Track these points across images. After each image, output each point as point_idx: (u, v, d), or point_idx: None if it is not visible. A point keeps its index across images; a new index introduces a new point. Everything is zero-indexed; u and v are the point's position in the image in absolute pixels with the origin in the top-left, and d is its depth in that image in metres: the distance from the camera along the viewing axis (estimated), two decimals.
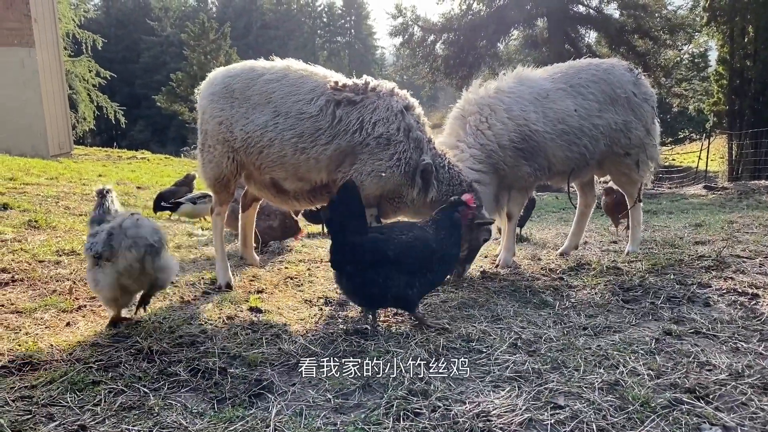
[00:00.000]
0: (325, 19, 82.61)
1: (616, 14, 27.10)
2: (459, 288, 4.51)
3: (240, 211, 5.39)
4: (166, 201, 8.94)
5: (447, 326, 3.52)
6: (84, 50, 31.84)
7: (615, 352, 3.05)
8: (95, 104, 33.18)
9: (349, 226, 3.37)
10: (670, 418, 2.38)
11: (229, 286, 4.51)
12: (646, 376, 2.77)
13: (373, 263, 3.36)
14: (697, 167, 26.96)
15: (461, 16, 26.79)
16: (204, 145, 4.60)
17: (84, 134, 36.12)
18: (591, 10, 26.89)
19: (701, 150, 27.26)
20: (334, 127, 4.21)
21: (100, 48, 32.46)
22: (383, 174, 4.21)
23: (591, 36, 29.09)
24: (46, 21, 21.42)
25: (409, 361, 2.95)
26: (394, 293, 3.37)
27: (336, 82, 4.31)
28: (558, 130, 5.02)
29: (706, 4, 26.71)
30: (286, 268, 5.31)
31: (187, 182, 9.73)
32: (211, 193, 4.84)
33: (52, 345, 3.16)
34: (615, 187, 6.18)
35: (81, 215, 8.40)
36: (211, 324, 3.60)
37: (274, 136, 4.28)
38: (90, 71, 32.34)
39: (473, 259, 4.77)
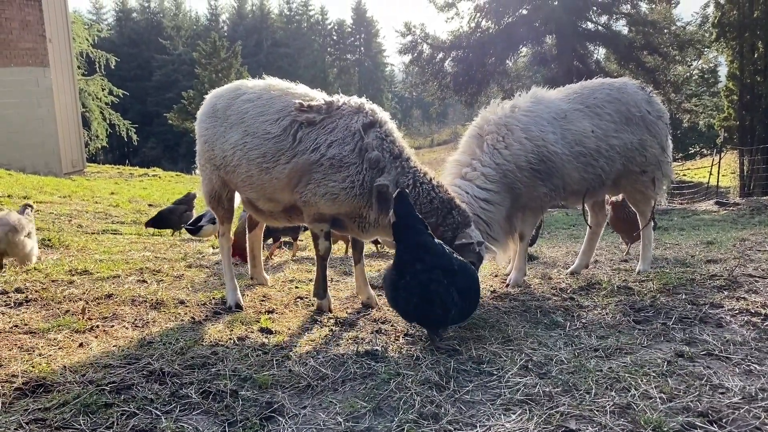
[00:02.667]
0: (335, 37, 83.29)
1: (625, 31, 27.20)
2: None
3: (246, 231, 5.43)
4: (166, 219, 9.04)
5: (457, 348, 3.52)
6: (97, 69, 32.30)
7: (626, 375, 3.03)
8: (108, 122, 33.56)
9: (418, 227, 3.48)
10: None
11: (238, 307, 4.54)
12: (658, 400, 2.75)
13: (440, 268, 3.42)
14: (708, 183, 26.85)
15: (470, 34, 26.97)
16: (198, 163, 4.79)
17: (96, 152, 36.49)
18: (599, 27, 26.99)
19: (712, 165, 27.14)
20: (294, 148, 4.19)
21: (113, 67, 32.91)
22: (337, 196, 4.15)
23: (600, 52, 29.21)
24: (61, 41, 21.78)
25: (420, 384, 2.95)
26: (447, 305, 3.42)
27: (301, 103, 4.26)
28: (575, 151, 5.01)
29: (715, 20, 26.80)
30: (297, 287, 5.33)
31: (186, 201, 9.86)
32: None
33: (65, 366, 3.18)
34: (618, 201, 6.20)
35: (93, 233, 8.49)
36: (221, 345, 3.62)
37: (242, 156, 4.33)
38: (103, 90, 32.77)
39: None
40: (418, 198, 4.12)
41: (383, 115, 4.35)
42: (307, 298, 4.90)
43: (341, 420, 2.62)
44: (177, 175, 28.55)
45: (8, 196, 10.72)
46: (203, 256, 6.90)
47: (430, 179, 4.23)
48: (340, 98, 4.40)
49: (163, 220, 9.16)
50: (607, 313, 4.25)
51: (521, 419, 2.59)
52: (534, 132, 4.93)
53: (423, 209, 4.10)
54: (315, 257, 4.57)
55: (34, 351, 3.43)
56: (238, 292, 4.68)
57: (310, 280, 5.59)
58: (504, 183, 4.86)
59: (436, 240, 3.56)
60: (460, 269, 3.50)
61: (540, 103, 5.17)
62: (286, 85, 4.56)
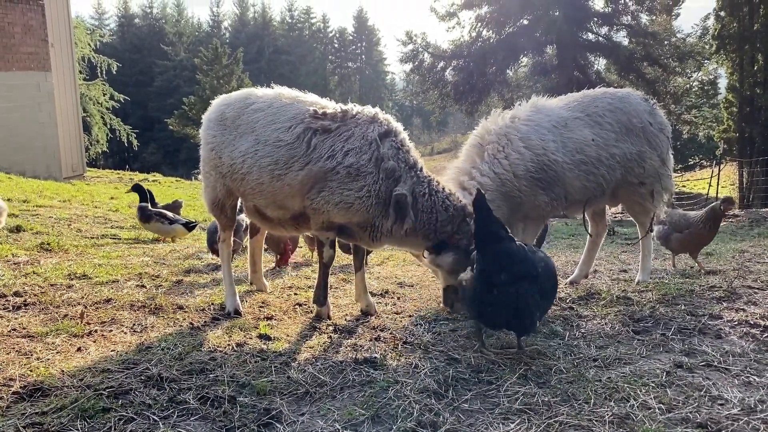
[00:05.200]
0: (336, 45, 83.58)
1: (626, 42, 27.30)
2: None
3: (248, 237, 5.44)
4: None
5: (456, 356, 3.51)
6: (99, 74, 32.39)
7: (625, 385, 3.03)
8: (108, 127, 33.61)
9: (500, 234, 3.43)
10: None
11: (237, 313, 4.53)
12: (657, 410, 2.75)
13: (523, 276, 3.37)
14: (707, 194, 26.86)
15: (471, 43, 27.08)
16: (203, 170, 4.78)
17: (97, 156, 36.53)
18: (600, 38, 27.11)
19: (711, 177, 27.19)
20: (308, 155, 4.18)
21: (114, 72, 33.00)
22: (351, 205, 4.15)
23: (600, 63, 29.29)
24: (63, 46, 21.85)
25: (419, 392, 2.94)
26: (534, 314, 3.42)
27: (315, 111, 4.27)
28: (576, 160, 5.01)
29: (715, 32, 26.94)
30: (296, 294, 5.32)
31: (175, 207, 9.95)
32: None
33: (63, 371, 3.17)
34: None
35: (93, 238, 8.48)
36: (220, 351, 3.61)
37: (253, 163, 4.31)
38: (104, 94, 32.85)
39: None
40: (434, 206, 4.17)
41: (397, 125, 4.38)
42: (306, 304, 4.90)
43: (339, 427, 2.62)
44: (177, 180, 28.55)
45: (8, 199, 10.70)
46: (202, 261, 6.90)
47: (443, 188, 4.28)
48: (354, 107, 4.41)
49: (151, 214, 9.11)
50: (606, 323, 4.25)
51: (520, 429, 2.58)
52: (534, 141, 4.94)
53: (440, 217, 4.16)
54: (318, 264, 4.56)
55: (32, 355, 3.42)
56: (237, 297, 4.68)
57: (309, 287, 5.59)
58: (502, 192, 4.88)
59: (517, 243, 3.48)
60: (543, 271, 3.46)
61: (540, 111, 5.18)
62: (296, 94, 4.57)
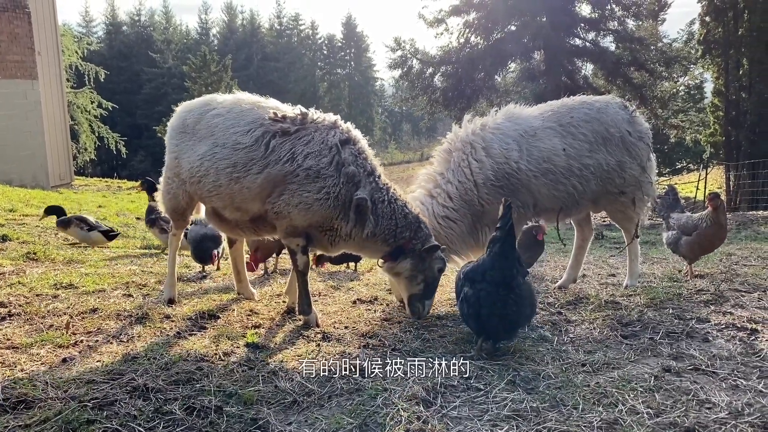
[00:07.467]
0: (325, 52, 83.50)
1: (612, 47, 27.47)
2: (457, 323, 4.49)
3: (228, 247, 5.43)
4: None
5: (443, 363, 3.50)
6: (86, 82, 32.26)
7: (614, 390, 3.04)
8: (96, 135, 33.44)
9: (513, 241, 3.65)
10: None
11: (171, 302, 4.84)
12: (645, 415, 2.75)
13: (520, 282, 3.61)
14: (695, 198, 27.04)
15: (459, 49, 27.14)
16: (165, 175, 4.92)
17: (84, 164, 36.27)
18: (587, 43, 27.24)
19: (699, 180, 27.38)
20: (266, 157, 4.25)
21: (102, 79, 32.85)
22: (310, 206, 4.21)
23: (588, 68, 29.44)
24: (50, 54, 21.74)
25: (407, 400, 2.93)
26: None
27: (275, 114, 4.35)
28: (543, 168, 5.02)
29: (701, 37, 27.21)
30: (284, 302, 5.29)
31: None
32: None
33: (47, 382, 3.13)
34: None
35: (80, 248, 8.41)
36: (207, 360, 3.58)
37: (210, 165, 4.41)
38: (92, 102, 32.67)
39: (432, 294, 4.55)
40: (394, 213, 4.30)
41: (357, 133, 4.49)
42: (295, 311, 4.87)
43: None
44: None
45: None
46: (190, 270, 6.86)
47: (400, 196, 4.42)
48: (314, 112, 4.50)
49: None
50: (594, 328, 4.26)
51: None
52: (495, 150, 4.98)
53: (399, 223, 4.29)
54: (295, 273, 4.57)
55: (15, 366, 3.38)
56: (176, 289, 5.00)
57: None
58: (465, 200, 4.96)
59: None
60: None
61: (510, 120, 5.22)
62: (256, 99, 4.67)
